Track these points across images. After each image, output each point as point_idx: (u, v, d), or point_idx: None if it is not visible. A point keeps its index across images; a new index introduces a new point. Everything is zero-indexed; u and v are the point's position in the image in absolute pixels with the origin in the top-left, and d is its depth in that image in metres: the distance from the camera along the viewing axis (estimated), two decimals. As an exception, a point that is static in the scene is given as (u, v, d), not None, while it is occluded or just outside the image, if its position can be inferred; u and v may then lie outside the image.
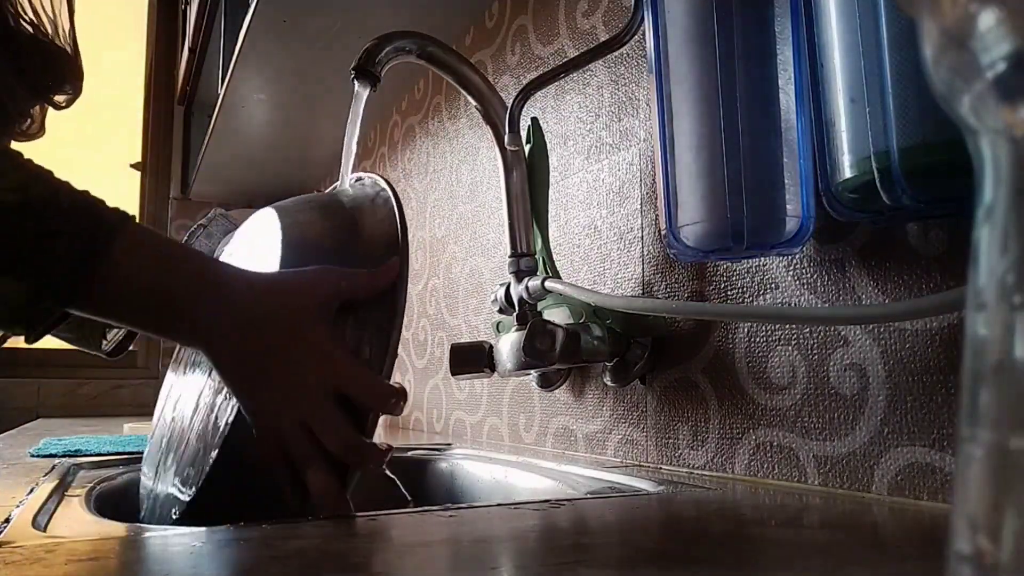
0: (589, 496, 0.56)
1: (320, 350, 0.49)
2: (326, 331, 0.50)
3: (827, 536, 0.40)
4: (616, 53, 0.78)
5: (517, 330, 0.76)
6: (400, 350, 1.42)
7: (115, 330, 0.84)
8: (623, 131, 0.80)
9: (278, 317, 0.49)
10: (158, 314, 0.49)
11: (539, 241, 0.80)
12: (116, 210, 0.49)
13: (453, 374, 0.84)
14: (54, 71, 0.66)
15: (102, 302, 0.47)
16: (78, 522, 0.49)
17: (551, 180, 0.88)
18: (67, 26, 0.67)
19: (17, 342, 0.55)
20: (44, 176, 0.47)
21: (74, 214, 0.46)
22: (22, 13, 0.63)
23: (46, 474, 0.68)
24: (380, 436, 1.25)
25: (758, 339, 0.61)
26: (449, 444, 1.01)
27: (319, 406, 0.48)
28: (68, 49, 0.67)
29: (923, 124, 0.41)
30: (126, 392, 2.40)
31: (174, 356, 0.73)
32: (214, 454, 0.50)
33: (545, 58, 0.97)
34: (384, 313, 0.51)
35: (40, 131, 0.68)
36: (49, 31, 0.65)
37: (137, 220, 0.50)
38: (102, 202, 0.49)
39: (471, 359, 0.82)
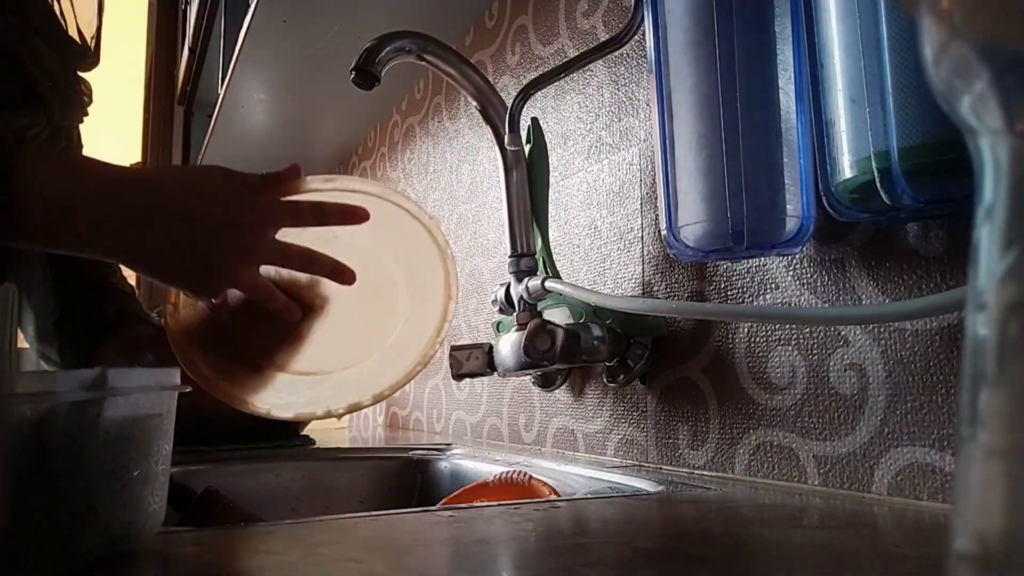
0: (589, 496, 0.56)
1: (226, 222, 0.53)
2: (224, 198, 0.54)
3: (827, 536, 0.40)
4: (616, 53, 0.78)
5: (517, 330, 0.76)
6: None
7: None
8: (623, 131, 0.80)
9: (177, 203, 0.52)
10: (75, 223, 0.50)
11: (539, 241, 0.80)
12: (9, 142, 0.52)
13: (454, 377, 0.84)
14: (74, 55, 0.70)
15: (22, 217, 0.47)
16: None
17: (551, 180, 0.88)
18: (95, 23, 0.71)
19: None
20: None
21: None
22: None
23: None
24: (380, 435, 1.25)
25: (758, 339, 0.61)
26: (449, 444, 1.01)
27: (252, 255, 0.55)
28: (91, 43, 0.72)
29: (923, 124, 0.41)
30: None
31: None
32: None
33: (545, 58, 0.97)
34: None
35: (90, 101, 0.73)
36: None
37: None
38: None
39: (471, 361, 0.82)
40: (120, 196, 0.50)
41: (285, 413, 0.62)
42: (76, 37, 0.70)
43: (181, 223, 0.52)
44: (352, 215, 0.59)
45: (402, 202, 0.66)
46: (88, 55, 0.72)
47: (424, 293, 0.66)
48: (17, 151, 0.48)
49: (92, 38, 0.72)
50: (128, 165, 0.56)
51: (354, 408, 0.63)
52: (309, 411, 0.62)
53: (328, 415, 0.62)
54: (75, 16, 0.69)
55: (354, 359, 0.64)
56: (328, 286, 0.61)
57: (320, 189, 0.63)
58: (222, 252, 0.53)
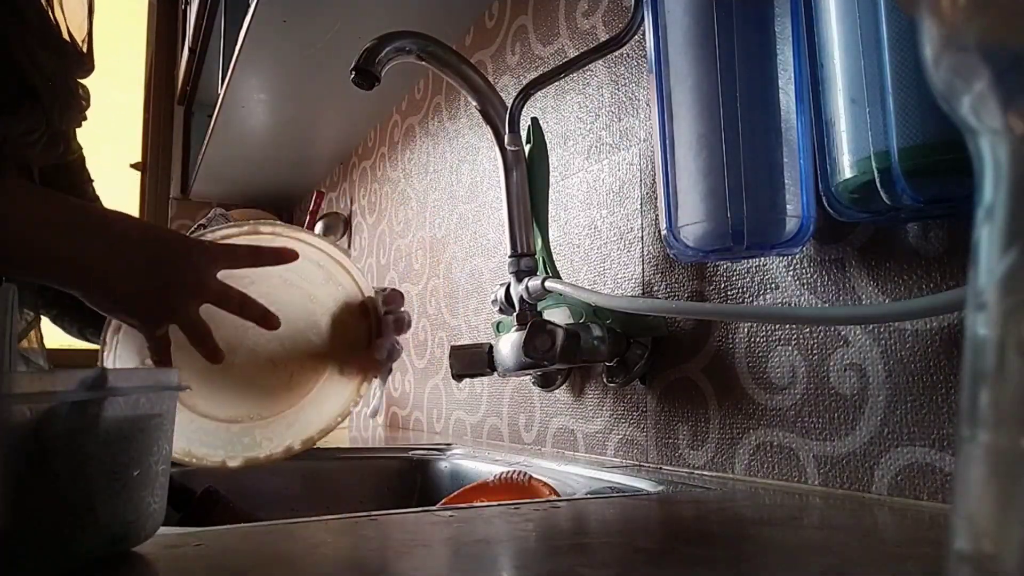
0: (589, 496, 0.56)
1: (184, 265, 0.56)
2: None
3: (827, 536, 0.40)
4: (616, 53, 0.78)
5: (517, 330, 0.76)
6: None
7: None
8: (623, 131, 0.80)
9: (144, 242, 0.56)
10: (41, 257, 0.52)
11: (539, 241, 0.80)
12: None
13: (455, 377, 0.84)
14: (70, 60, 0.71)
15: None
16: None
17: (551, 180, 0.88)
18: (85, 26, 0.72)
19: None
20: None
21: None
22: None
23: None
24: (380, 435, 1.25)
25: (758, 339, 0.61)
26: (449, 444, 1.01)
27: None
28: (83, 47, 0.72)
29: (923, 124, 0.41)
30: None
31: None
32: None
33: (545, 58, 0.97)
34: None
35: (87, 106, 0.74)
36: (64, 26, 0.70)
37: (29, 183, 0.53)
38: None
39: (471, 362, 0.82)
40: (79, 233, 0.53)
41: (233, 462, 0.64)
42: (69, 41, 0.70)
43: (134, 259, 0.55)
44: (282, 255, 0.62)
45: (318, 243, 0.67)
46: (84, 60, 0.72)
47: (347, 338, 0.68)
48: None
49: (83, 41, 0.72)
50: (87, 203, 0.59)
51: (289, 453, 0.66)
52: (252, 455, 0.65)
53: (268, 460, 0.64)
54: (65, 19, 0.70)
55: (282, 406, 0.67)
56: (256, 333, 0.63)
57: (233, 235, 0.65)
58: (170, 286, 0.56)
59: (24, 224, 0.51)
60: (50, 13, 0.69)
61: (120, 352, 0.61)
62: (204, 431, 0.63)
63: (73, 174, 0.78)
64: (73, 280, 0.54)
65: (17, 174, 0.56)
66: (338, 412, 0.68)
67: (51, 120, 0.67)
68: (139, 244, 0.55)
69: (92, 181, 0.82)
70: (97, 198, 0.81)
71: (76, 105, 0.72)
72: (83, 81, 0.73)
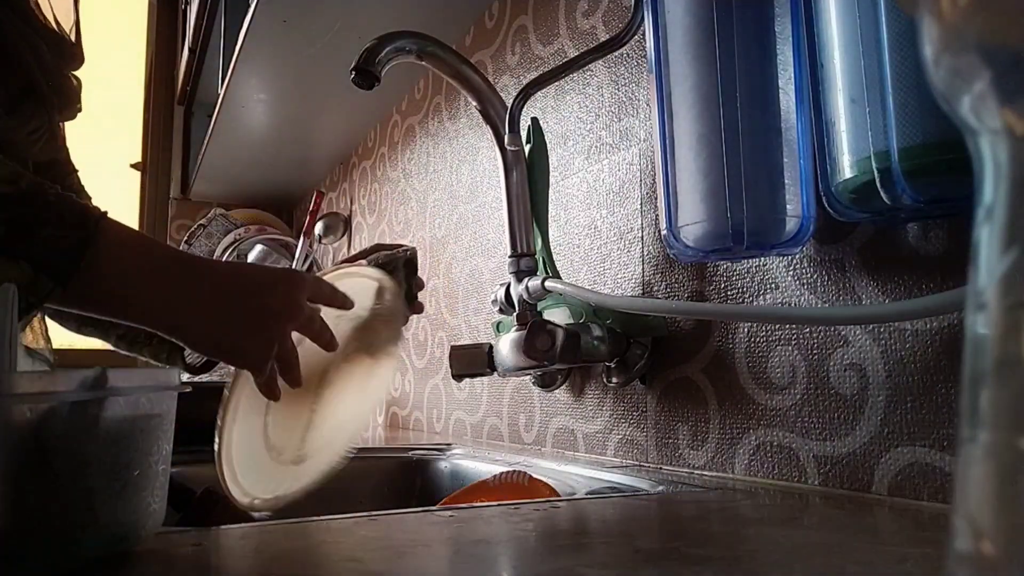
0: (589, 496, 0.56)
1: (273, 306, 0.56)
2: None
3: (827, 536, 0.40)
4: (616, 53, 0.78)
5: (517, 330, 0.76)
6: (400, 350, 1.42)
7: None
8: (623, 131, 0.80)
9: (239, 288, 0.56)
10: (137, 298, 0.52)
11: (539, 241, 0.80)
12: (94, 206, 0.53)
13: (455, 377, 0.84)
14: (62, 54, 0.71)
15: (91, 284, 0.50)
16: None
17: (551, 180, 0.88)
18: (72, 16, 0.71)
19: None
20: (24, 170, 0.51)
21: (61, 204, 0.49)
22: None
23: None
24: (380, 435, 1.25)
25: (758, 339, 0.61)
26: (449, 444, 1.01)
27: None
28: (71, 37, 0.71)
29: (923, 124, 0.41)
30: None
31: None
32: None
33: (545, 58, 0.97)
34: None
35: (78, 105, 0.74)
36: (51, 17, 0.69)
37: (136, 221, 0.53)
38: (79, 196, 0.51)
39: (471, 362, 0.82)
40: (172, 278, 0.54)
41: (265, 505, 0.62)
42: (56, 30, 0.70)
43: (231, 298, 0.55)
44: (344, 302, 0.63)
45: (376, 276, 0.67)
46: (75, 52, 0.72)
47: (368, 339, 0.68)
48: (98, 224, 0.50)
49: (71, 30, 0.72)
50: (174, 248, 0.59)
51: (304, 490, 0.64)
52: (282, 492, 0.63)
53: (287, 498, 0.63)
54: (52, 8, 0.69)
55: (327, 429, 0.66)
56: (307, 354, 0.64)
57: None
58: (263, 315, 0.56)
59: (120, 272, 0.51)
60: (39, 3, 0.68)
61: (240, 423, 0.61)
62: (258, 468, 0.63)
63: (59, 165, 0.78)
64: (160, 326, 0.54)
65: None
66: (369, 406, 0.67)
67: (52, 116, 0.67)
68: (231, 281, 0.56)
69: (76, 172, 0.81)
70: (82, 188, 0.81)
71: (74, 99, 0.72)
72: (76, 72, 0.73)
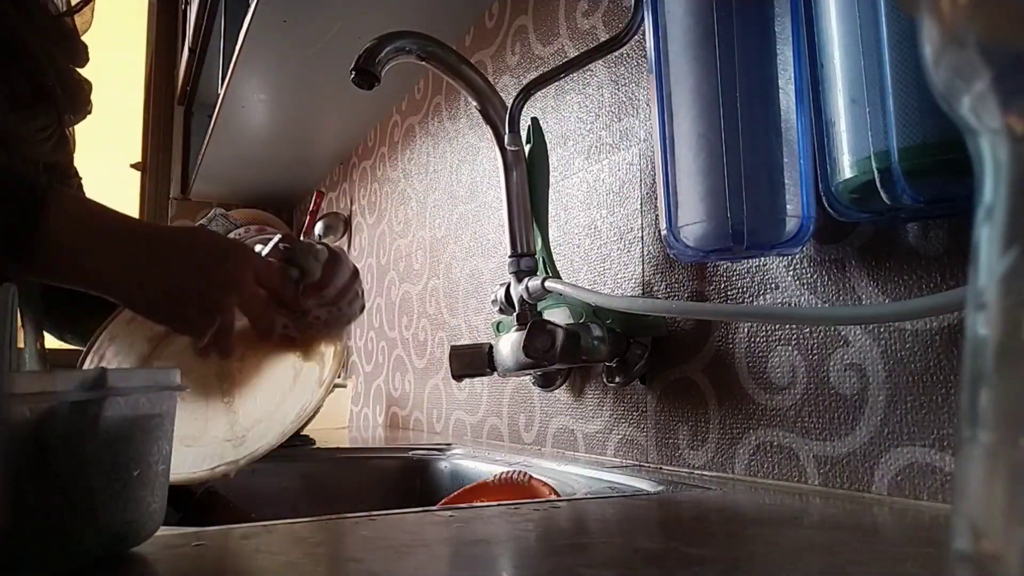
0: (589, 496, 0.56)
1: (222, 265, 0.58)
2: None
3: (827, 536, 0.40)
4: (616, 53, 0.78)
5: (517, 330, 0.76)
6: (400, 350, 1.42)
7: None
8: (623, 131, 0.80)
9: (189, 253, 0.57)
10: (91, 266, 0.54)
11: (539, 241, 0.80)
12: (44, 177, 0.54)
13: (454, 377, 0.84)
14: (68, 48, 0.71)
15: (44, 255, 0.51)
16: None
17: (551, 180, 0.88)
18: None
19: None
20: None
21: (5, 176, 0.51)
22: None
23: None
24: (380, 435, 1.25)
25: (758, 339, 0.61)
26: (449, 444, 1.01)
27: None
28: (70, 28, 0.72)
29: (923, 124, 0.41)
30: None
31: None
32: None
33: (545, 58, 0.97)
34: None
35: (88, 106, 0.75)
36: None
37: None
38: (31, 167, 0.54)
39: (471, 362, 0.82)
40: (124, 244, 0.55)
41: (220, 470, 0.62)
42: (71, 28, 0.70)
43: (175, 268, 0.57)
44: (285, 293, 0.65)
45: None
46: (81, 49, 0.72)
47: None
48: (49, 192, 0.51)
49: (83, 27, 0.72)
50: (129, 216, 0.60)
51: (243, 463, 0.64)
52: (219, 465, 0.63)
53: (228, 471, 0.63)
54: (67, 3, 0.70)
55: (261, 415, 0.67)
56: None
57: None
58: (211, 285, 0.58)
59: (72, 237, 0.52)
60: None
61: (110, 358, 0.62)
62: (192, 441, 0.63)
63: (60, 168, 0.78)
64: (110, 290, 0.55)
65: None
66: (311, 400, 0.67)
67: (61, 116, 0.67)
68: (183, 251, 0.57)
69: (79, 177, 0.82)
70: (82, 191, 0.81)
71: (84, 100, 0.72)
72: (84, 74, 0.73)
